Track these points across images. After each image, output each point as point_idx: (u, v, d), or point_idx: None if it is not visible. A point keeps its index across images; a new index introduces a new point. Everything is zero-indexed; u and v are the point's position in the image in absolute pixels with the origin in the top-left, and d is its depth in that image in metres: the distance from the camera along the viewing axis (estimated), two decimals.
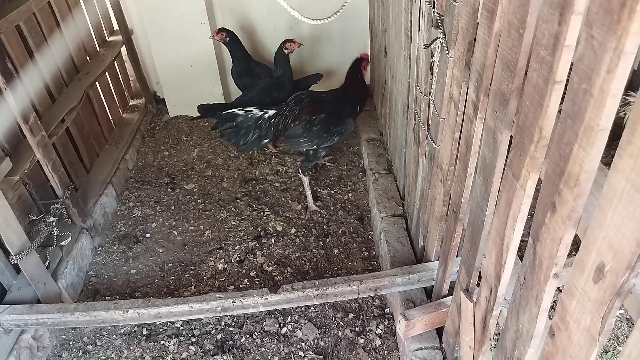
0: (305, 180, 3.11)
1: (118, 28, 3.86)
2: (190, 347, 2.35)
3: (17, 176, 2.34)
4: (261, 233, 2.98)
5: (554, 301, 1.69)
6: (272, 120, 3.02)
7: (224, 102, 3.93)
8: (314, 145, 3.02)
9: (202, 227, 3.08)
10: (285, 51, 3.33)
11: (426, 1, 1.78)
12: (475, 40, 1.37)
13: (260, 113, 3.04)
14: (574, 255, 0.95)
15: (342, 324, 2.41)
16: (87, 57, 3.46)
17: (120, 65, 3.98)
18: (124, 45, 3.88)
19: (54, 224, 2.54)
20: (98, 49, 3.65)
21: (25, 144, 2.45)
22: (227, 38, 3.46)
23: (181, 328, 2.45)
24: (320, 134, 2.97)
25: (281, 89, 3.41)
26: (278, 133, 3.04)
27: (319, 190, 3.32)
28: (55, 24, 3.05)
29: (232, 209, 3.20)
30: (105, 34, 3.82)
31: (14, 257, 2.21)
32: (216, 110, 3.23)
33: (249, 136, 3.07)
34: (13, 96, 2.28)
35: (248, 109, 3.07)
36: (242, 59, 3.58)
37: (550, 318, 1.11)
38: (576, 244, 0.94)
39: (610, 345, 2.19)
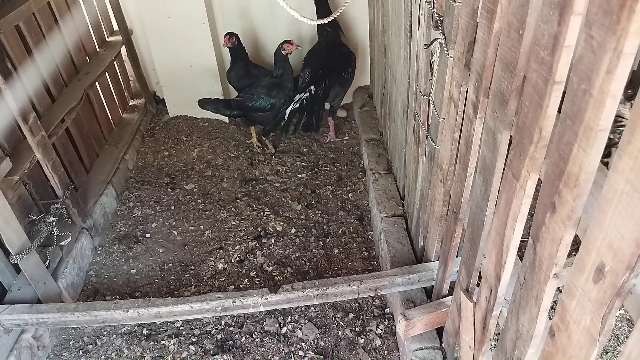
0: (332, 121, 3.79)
1: (118, 28, 3.86)
2: (191, 346, 2.35)
3: (17, 176, 2.34)
4: (261, 233, 2.98)
5: (554, 301, 1.69)
6: (319, 91, 3.42)
7: None
8: (348, 88, 3.74)
9: (202, 227, 3.08)
10: (283, 52, 3.34)
11: (426, 1, 1.79)
12: (474, 40, 1.37)
13: (306, 94, 3.37)
14: (574, 255, 0.95)
15: (342, 324, 2.41)
16: (87, 57, 3.47)
17: (120, 65, 3.98)
18: (123, 46, 3.88)
19: (54, 223, 2.54)
20: (98, 49, 3.65)
21: (25, 144, 2.45)
22: (236, 42, 3.51)
23: (181, 328, 2.45)
24: (349, 78, 3.64)
25: (280, 88, 3.42)
26: (324, 98, 3.51)
27: (317, 190, 3.33)
28: (55, 24, 3.05)
29: (232, 209, 3.20)
30: (105, 34, 3.82)
31: (14, 257, 2.21)
32: (220, 106, 3.55)
33: (317, 113, 3.47)
34: (13, 96, 2.28)
35: (295, 100, 3.40)
36: (243, 60, 3.60)
37: (550, 318, 1.11)
38: (576, 244, 0.94)
39: (611, 346, 2.19)
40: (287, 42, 3.34)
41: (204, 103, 3.50)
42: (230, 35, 3.48)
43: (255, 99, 3.44)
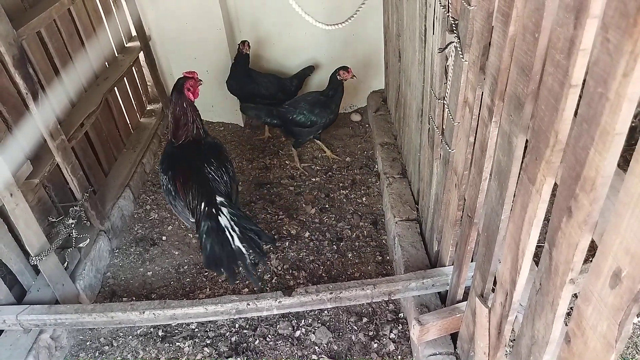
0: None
1: (136, 34, 3.92)
2: (205, 349, 2.36)
3: (37, 179, 2.39)
4: (275, 236, 2.99)
5: (570, 307, 1.67)
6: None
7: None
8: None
9: None
10: (338, 77, 3.38)
11: (441, 5, 1.78)
12: (490, 44, 1.37)
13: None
14: (591, 261, 0.94)
15: (356, 328, 2.41)
16: (106, 63, 3.53)
17: (138, 70, 4.04)
18: (141, 51, 3.93)
19: (72, 226, 2.58)
20: (116, 55, 3.71)
21: (45, 148, 2.50)
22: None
23: (196, 330, 2.47)
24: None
25: (326, 107, 3.42)
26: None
27: (331, 193, 3.33)
28: (75, 30, 3.11)
29: (247, 212, 3.22)
30: (124, 40, 3.88)
31: (33, 259, 2.25)
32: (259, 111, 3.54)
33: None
34: (34, 101, 2.33)
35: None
36: (243, 67, 3.66)
37: (566, 324, 1.10)
38: (592, 250, 0.93)
39: (629, 354, 2.15)
40: (344, 68, 3.37)
41: (246, 108, 3.58)
42: (244, 42, 3.59)
43: (297, 113, 3.41)
